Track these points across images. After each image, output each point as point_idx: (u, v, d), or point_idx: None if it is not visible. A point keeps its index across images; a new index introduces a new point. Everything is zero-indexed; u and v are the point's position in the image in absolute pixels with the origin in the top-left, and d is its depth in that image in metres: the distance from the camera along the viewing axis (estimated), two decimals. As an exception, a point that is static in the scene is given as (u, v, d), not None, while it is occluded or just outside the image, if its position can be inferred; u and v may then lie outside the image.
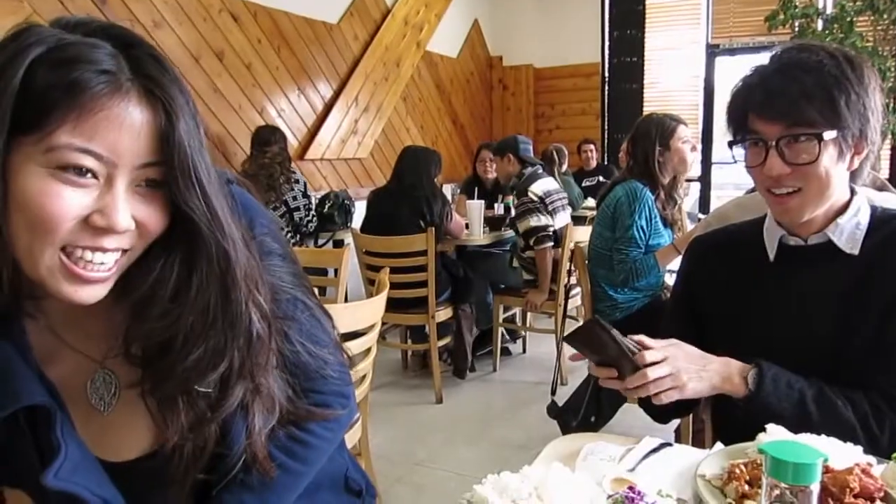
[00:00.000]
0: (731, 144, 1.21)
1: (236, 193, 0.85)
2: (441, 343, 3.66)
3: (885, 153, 5.52)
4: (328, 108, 5.06)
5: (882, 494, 0.80)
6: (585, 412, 2.56)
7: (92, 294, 0.70)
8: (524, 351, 4.32)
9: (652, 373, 1.04)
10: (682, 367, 1.07)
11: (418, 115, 6.32)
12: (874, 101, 1.10)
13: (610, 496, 0.83)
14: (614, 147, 6.70)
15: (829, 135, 1.07)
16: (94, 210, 0.67)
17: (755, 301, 1.24)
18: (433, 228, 3.34)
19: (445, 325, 3.70)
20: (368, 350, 2.03)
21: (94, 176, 0.66)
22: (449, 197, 5.12)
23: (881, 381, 1.11)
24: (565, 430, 2.53)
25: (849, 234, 1.16)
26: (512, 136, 4.10)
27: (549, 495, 0.85)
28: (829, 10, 5.44)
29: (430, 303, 3.43)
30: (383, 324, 4.11)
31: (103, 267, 0.69)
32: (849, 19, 5.11)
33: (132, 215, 0.69)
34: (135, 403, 0.80)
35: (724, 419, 1.36)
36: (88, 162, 0.65)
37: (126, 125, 0.66)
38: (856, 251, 1.15)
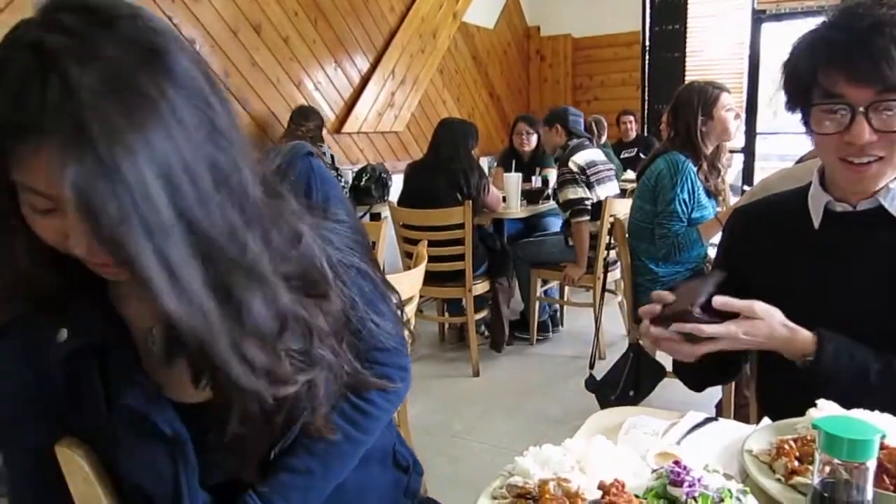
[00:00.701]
0: (801, 108, 1.12)
1: (315, 167, 0.88)
2: (478, 316, 3.66)
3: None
4: (365, 80, 5.04)
5: (941, 472, 0.77)
6: (624, 386, 2.54)
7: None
8: (562, 325, 4.30)
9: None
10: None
11: (455, 88, 6.26)
12: None
13: (654, 470, 0.81)
14: (655, 118, 6.54)
15: None
16: (70, 245, 0.64)
17: (799, 270, 1.20)
18: (470, 201, 3.32)
19: (482, 298, 3.70)
20: (408, 321, 2.03)
21: (52, 211, 0.63)
22: (486, 170, 5.09)
23: None
24: (603, 404, 2.52)
25: None
26: (563, 107, 4.09)
27: (591, 468, 0.84)
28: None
29: (468, 276, 3.43)
30: (420, 297, 4.16)
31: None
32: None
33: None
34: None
35: (770, 394, 1.33)
36: (40, 203, 0.62)
37: (53, 166, 0.57)
38: None
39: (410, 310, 2.01)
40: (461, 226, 3.32)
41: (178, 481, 0.80)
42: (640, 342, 2.66)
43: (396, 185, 3.98)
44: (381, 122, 5.24)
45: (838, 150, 1.07)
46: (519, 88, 7.38)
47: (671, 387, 2.53)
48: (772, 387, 1.32)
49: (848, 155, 1.06)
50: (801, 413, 0.96)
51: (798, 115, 1.14)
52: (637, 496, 0.79)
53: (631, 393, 2.56)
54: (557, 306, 4.23)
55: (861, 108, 1.02)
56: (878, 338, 1.11)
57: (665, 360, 2.70)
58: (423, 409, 3.09)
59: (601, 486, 0.76)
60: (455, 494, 2.19)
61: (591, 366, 2.95)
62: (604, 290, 3.37)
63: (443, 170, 3.54)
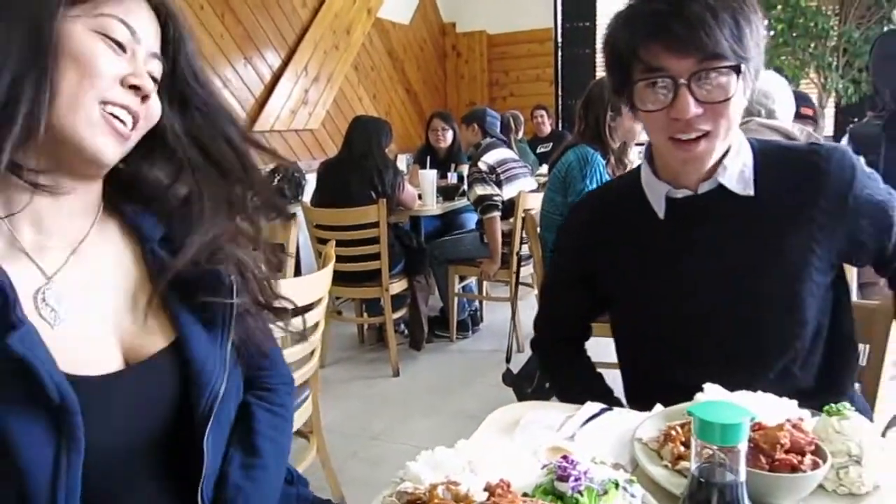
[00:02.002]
0: (623, 89, 1.08)
1: None
2: (397, 315, 3.63)
3: (830, 111, 5.62)
4: (276, 77, 4.91)
5: (812, 448, 0.79)
6: (540, 379, 2.57)
7: (114, 151, 0.79)
8: (482, 321, 4.32)
9: None
10: None
11: (371, 84, 6.20)
12: (761, 33, 1.04)
13: (544, 466, 0.81)
14: (568, 113, 6.69)
15: (742, 67, 1.00)
16: (128, 73, 0.79)
17: (652, 264, 1.18)
18: (384, 200, 3.28)
19: (401, 297, 3.67)
20: (316, 325, 1.98)
21: (124, 49, 0.79)
22: (404, 167, 5.05)
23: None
24: (520, 397, 2.53)
25: (738, 174, 1.10)
26: (482, 108, 4.22)
27: (483, 469, 0.82)
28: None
29: (384, 275, 3.39)
30: (338, 298, 4.10)
31: (127, 126, 0.79)
32: (795, -22, 5.15)
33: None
34: (90, 321, 0.80)
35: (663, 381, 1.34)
36: (122, 34, 0.79)
37: (145, 16, 0.82)
38: (750, 191, 1.10)
39: (319, 312, 1.95)
40: (376, 224, 3.27)
41: (58, 461, 0.71)
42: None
43: (312, 184, 3.90)
44: (294, 120, 5.12)
45: (666, 128, 1.04)
46: (436, 85, 7.38)
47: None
48: (633, 381, 1.34)
49: (676, 132, 1.04)
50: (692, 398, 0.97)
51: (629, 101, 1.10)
52: (526, 494, 0.77)
53: (547, 385, 2.59)
54: (477, 303, 4.25)
55: (683, 80, 0.99)
56: (739, 320, 1.12)
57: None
58: (341, 413, 3.03)
59: (487, 487, 0.74)
60: (373, 497, 2.16)
61: (508, 360, 2.97)
62: (517, 283, 3.40)
63: (356, 168, 3.49)
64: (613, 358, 1.35)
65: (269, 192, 0.98)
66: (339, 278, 3.36)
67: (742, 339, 1.13)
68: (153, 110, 0.83)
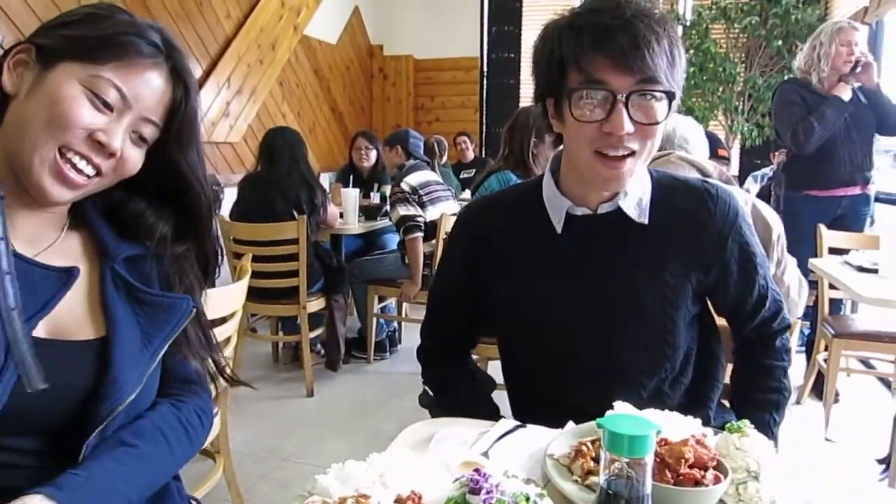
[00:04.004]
0: (554, 94, 1.08)
1: None
2: (313, 334, 3.56)
3: (735, 152, 5.97)
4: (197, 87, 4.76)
5: (714, 463, 0.82)
6: (456, 400, 2.56)
7: (61, 194, 0.85)
8: (401, 342, 4.29)
9: None
10: None
11: (295, 101, 6.12)
12: (683, 72, 1.07)
13: (457, 479, 0.80)
14: (492, 141, 6.82)
15: (675, 95, 1.04)
16: (100, 129, 0.84)
17: (544, 273, 1.19)
18: (305, 216, 3.23)
19: (318, 315, 3.60)
20: (228, 340, 1.91)
21: (111, 109, 0.85)
22: (326, 186, 5.00)
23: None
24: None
25: (636, 202, 1.14)
26: (405, 129, 4.19)
27: (394, 482, 0.81)
28: (688, 17, 5.81)
29: (302, 292, 3.32)
30: (253, 315, 3.98)
31: (81, 175, 0.85)
32: (704, 26, 5.48)
33: (122, 147, 0.87)
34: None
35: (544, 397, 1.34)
36: (113, 96, 0.85)
37: (152, 86, 0.88)
38: (645, 220, 1.14)
39: (232, 326, 1.89)
40: (295, 241, 3.21)
41: None
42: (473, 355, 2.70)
43: (230, 198, 3.78)
44: (214, 132, 4.98)
45: (594, 141, 1.04)
46: (361, 105, 7.37)
47: (502, 399, 2.60)
48: (517, 394, 1.35)
49: (604, 147, 1.04)
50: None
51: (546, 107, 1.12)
52: (437, 507, 0.76)
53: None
54: (396, 325, 4.22)
55: (622, 96, 1.00)
56: (615, 341, 1.17)
57: (495, 373, 2.78)
58: (252, 434, 2.92)
59: (398, 500, 0.73)
60: (280, 520, 2.09)
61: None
62: (438, 305, 3.40)
63: (281, 183, 3.40)
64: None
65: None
66: (256, 295, 3.27)
67: (619, 360, 1.18)
68: (127, 165, 0.89)
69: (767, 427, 1.20)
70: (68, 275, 0.89)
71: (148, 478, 0.91)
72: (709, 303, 1.27)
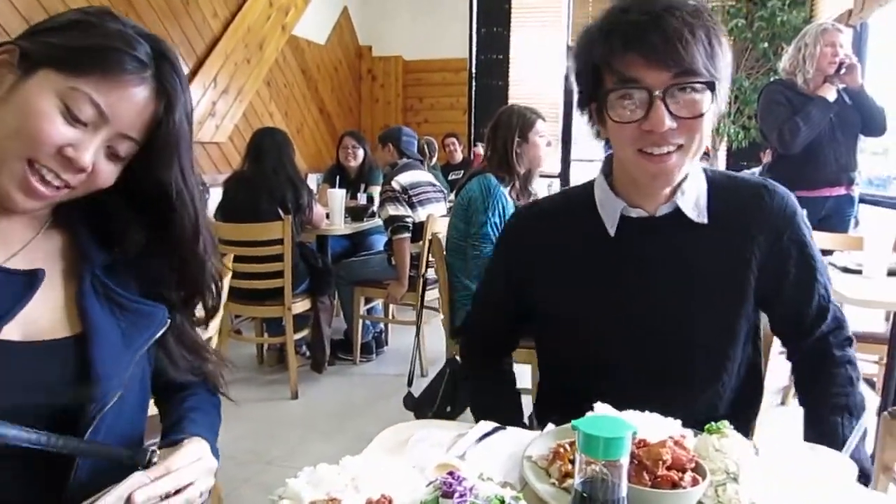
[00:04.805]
0: (593, 100, 1.06)
1: None
2: (298, 336, 3.53)
3: (722, 154, 5.99)
4: (182, 87, 4.72)
5: (693, 465, 0.80)
6: (441, 402, 2.54)
7: (28, 204, 0.83)
8: (387, 344, 4.26)
9: None
10: None
11: (283, 101, 6.09)
12: (728, 58, 1.03)
13: (430, 482, 0.78)
14: (481, 142, 6.80)
15: (716, 85, 0.99)
16: (70, 143, 0.81)
17: (593, 278, 1.15)
18: (290, 216, 3.20)
19: (304, 317, 3.56)
20: (209, 340, 1.88)
21: (84, 124, 0.82)
22: (314, 186, 4.97)
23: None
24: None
25: (694, 201, 1.10)
26: (397, 127, 4.12)
27: (366, 485, 0.79)
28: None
29: (287, 294, 3.29)
30: (237, 316, 3.94)
31: (50, 188, 0.82)
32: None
33: (94, 161, 0.83)
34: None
35: (547, 405, 1.33)
36: (89, 111, 0.81)
37: (133, 101, 0.84)
38: (704, 219, 1.10)
39: (213, 326, 1.86)
40: (280, 241, 3.18)
41: None
42: (456, 357, 2.69)
43: (215, 198, 3.74)
44: (200, 132, 4.94)
45: (636, 140, 1.02)
46: (350, 106, 7.35)
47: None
48: (549, 396, 1.33)
49: (647, 145, 1.01)
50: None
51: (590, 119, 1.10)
52: (410, 511, 0.75)
53: (448, 408, 2.57)
54: (382, 326, 4.19)
55: (658, 92, 0.97)
56: (675, 346, 1.12)
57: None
58: (236, 436, 2.89)
59: (368, 503, 0.71)
60: (262, 525, 2.05)
61: (410, 383, 2.93)
62: (422, 306, 3.38)
63: (267, 182, 3.37)
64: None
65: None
66: (240, 296, 3.24)
67: (672, 368, 1.12)
68: (98, 180, 0.86)
69: (839, 431, 1.11)
70: (34, 278, 0.87)
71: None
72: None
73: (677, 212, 1.10)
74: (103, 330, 0.88)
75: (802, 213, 1.16)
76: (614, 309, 1.14)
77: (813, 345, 1.18)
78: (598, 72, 1.03)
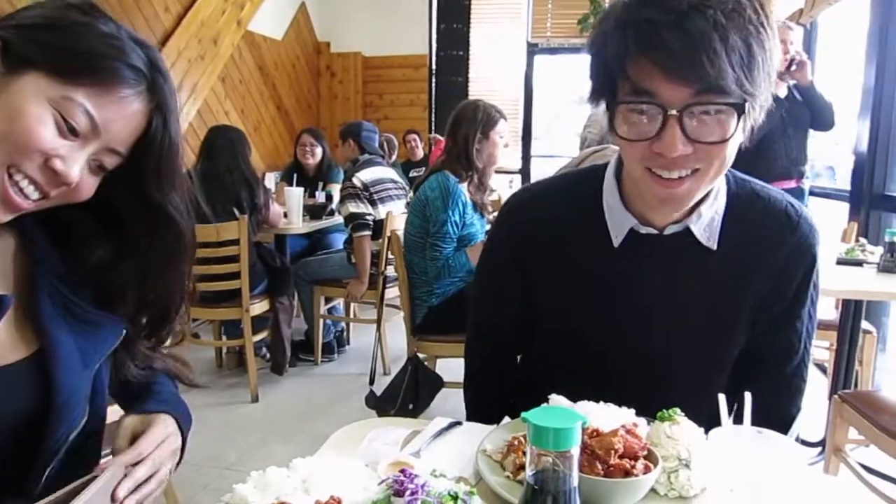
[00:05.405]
0: (606, 103, 0.91)
1: None
2: (258, 338, 3.47)
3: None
4: (134, 84, 4.60)
5: (645, 453, 0.81)
6: (403, 400, 2.53)
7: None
8: (349, 343, 4.22)
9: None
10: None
11: (239, 98, 5.98)
12: (776, 62, 0.86)
13: (382, 481, 0.76)
14: (440, 133, 6.79)
15: (746, 106, 0.84)
16: (59, 155, 0.76)
17: (592, 288, 1.07)
18: (245, 216, 3.14)
19: (263, 318, 3.50)
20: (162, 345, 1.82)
21: (77, 136, 0.77)
22: (272, 185, 4.89)
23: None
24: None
25: (707, 223, 1.00)
26: (357, 122, 4.08)
27: (317, 487, 0.77)
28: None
29: (244, 295, 3.23)
30: (195, 320, 3.85)
31: (27, 200, 0.77)
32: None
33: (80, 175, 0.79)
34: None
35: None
36: (83, 123, 0.76)
37: (127, 115, 0.80)
38: (713, 244, 1.00)
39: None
40: (236, 242, 3.12)
41: None
42: (418, 354, 2.68)
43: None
44: (153, 131, 4.82)
45: (646, 159, 0.89)
46: (308, 103, 7.26)
47: (452, 397, 2.57)
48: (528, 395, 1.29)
49: (657, 167, 0.89)
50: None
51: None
52: (360, 511, 0.73)
53: (410, 406, 2.56)
54: (343, 325, 4.15)
55: (674, 112, 0.83)
56: (658, 365, 1.06)
57: (443, 370, 2.76)
58: (194, 442, 2.74)
59: (316, 505, 0.69)
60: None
61: (371, 382, 2.91)
62: (382, 303, 3.35)
63: (220, 182, 3.30)
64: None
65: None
66: (197, 298, 3.16)
67: (653, 386, 1.05)
68: (80, 193, 0.81)
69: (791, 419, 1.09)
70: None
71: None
72: None
73: (687, 231, 1.01)
74: (65, 351, 0.82)
75: (817, 250, 1.06)
76: (605, 319, 1.07)
77: (765, 374, 1.11)
78: (610, 71, 0.89)
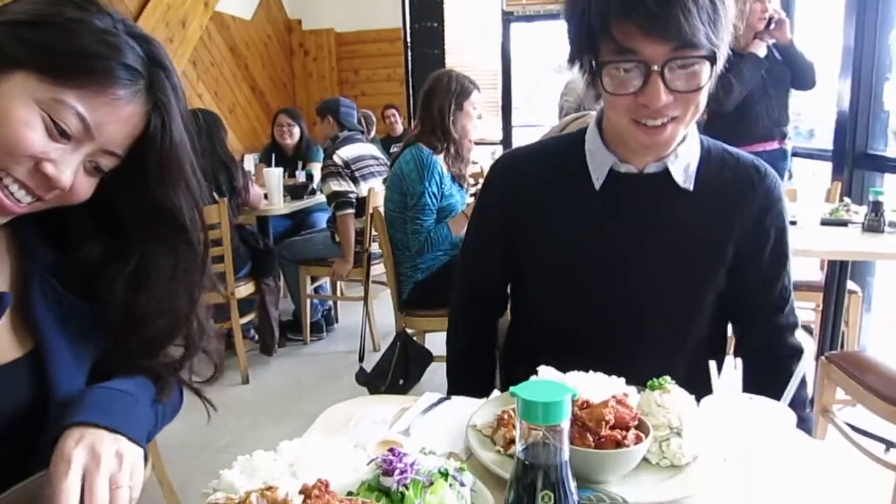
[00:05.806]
0: (588, 62, 1.01)
1: None
2: (245, 320, 3.45)
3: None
4: (103, 70, 4.49)
5: (636, 423, 0.80)
6: (393, 376, 2.53)
7: None
8: (337, 321, 4.21)
9: None
10: None
11: (211, 81, 5.87)
12: (731, 16, 0.98)
13: (371, 460, 0.75)
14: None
15: (716, 56, 0.96)
16: (50, 159, 0.72)
17: (574, 228, 1.14)
18: (225, 199, 3.09)
19: (249, 301, 3.48)
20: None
21: (68, 139, 0.73)
22: (251, 167, 4.82)
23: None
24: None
25: (684, 167, 1.10)
26: (335, 98, 4.01)
27: (306, 470, 0.76)
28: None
29: (228, 279, 3.19)
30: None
31: (18, 204, 0.74)
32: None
33: (73, 178, 0.76)
34: None
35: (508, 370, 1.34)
36: (74, 125, 0.72)
37: (122, 116, 0.75)
38: (690, 186, 1.10)
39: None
40: (217, 225, 3.08)
41: None
42: (407, 329, 2.67)
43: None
44: (126, 116, 4.72)
45: (631, 111, 0.99)
46: (283, 83, 7.14)
47: (442, 371, 2.55)
48: (518, 350, 1.31)
49: (643, 117, 0.99)
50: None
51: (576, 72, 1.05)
52: (351, 493, 0.72)
53: (401, 381, 2.55)
54: (331, 304, 4.14)
55: (656, 67, 0.93)
56: (644, 301, 1.12)
57: (432, 345, 2.75)
58: (185, 425, 2.75)
59: (303, 490, 0.68)
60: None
61: (361, 359, 2.91)
62: (367, 280, 3.34)
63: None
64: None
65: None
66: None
67: (645, 326, 1.13)
68: (75, 196, 0.78)
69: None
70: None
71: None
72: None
73: (666, 172, 1.10)
74: (59, 349, 0.80)
75: (785, 201, 1.16)
76: (591, 261, 1.13)
77: (767, 335, 1.19)
78: (593, 33, 0.98)
